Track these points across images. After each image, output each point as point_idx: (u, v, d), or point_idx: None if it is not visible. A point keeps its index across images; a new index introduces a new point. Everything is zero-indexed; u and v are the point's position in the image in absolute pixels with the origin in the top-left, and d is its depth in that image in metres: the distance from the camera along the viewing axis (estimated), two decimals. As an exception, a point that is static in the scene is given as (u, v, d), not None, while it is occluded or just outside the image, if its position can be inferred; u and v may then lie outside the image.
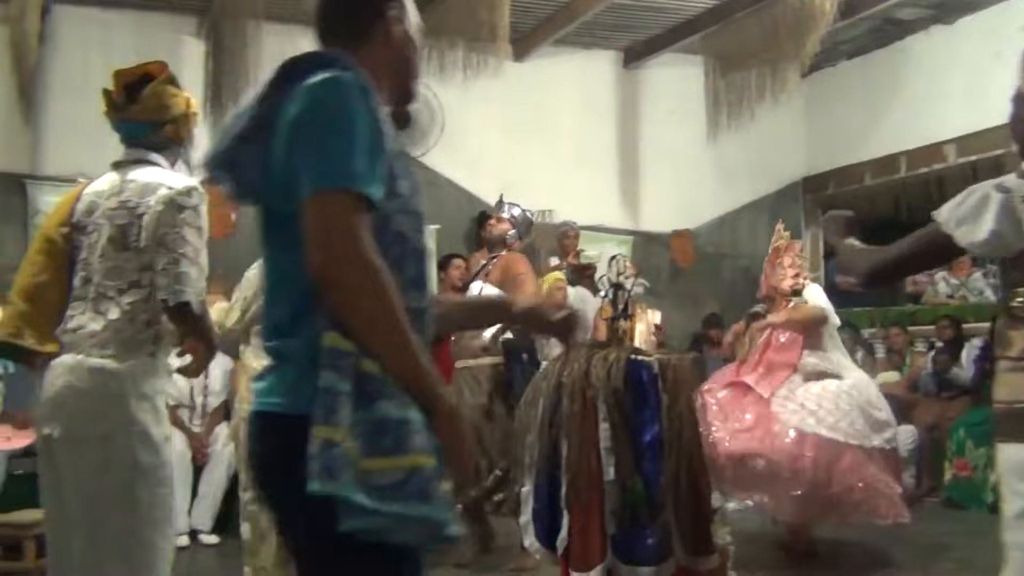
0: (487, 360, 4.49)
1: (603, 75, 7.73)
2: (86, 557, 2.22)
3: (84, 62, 6.04)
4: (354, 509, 1.27)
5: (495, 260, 4.70)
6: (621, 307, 3.20)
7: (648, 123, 7.77)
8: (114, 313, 2.27)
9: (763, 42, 6.92)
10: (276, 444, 1.40)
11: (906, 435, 6.29)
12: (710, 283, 7.86)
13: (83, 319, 2.30)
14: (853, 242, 2.16)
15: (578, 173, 7.37)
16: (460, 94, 6.77)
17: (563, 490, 2.82)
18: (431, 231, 6.99)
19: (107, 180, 2.42)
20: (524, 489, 2.96)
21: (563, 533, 2.80)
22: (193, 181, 2.39)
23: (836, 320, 4.64)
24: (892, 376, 6.93)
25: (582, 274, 6.75)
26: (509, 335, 4.45)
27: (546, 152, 7.32)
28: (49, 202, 6.01)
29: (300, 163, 1.38)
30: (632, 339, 3.25)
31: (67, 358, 2.28)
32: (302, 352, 1.38)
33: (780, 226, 4.82)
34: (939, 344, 6.89)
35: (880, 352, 7.39)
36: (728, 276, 7.92)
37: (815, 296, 4.57)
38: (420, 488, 1.32)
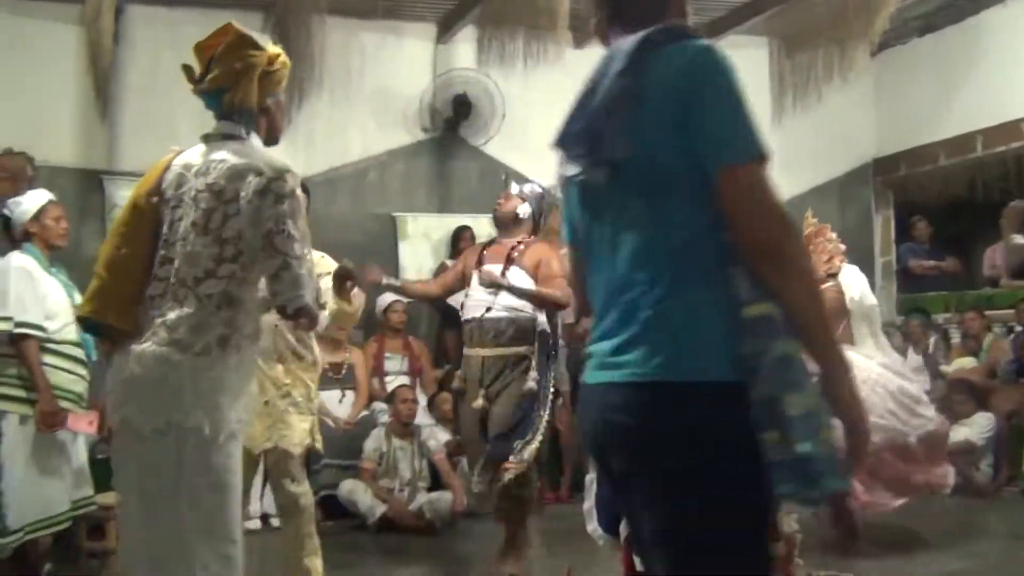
0: (516, 349, 4.10)
1: (665, 59, 7.63)
2: (147, 552, 2.14)
3: (155, 60, 6.22)
4: (789, 472, 1.36)
5: (522, 245, 4.20)
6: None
7: (711, 107, 7.64)
8: (190, 304, 2.16)
9: (830, 21, 6.77)
10: (676, 413, 1.42)
11: (984, 423, 6.11)
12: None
13: (160, 304, 2.19)
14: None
15: (640, 159, 7.31)
16: (520, 83, 6.77)
17: (627, 477, 2.82)
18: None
19: (197, 153, 2.30)
20: (588, 477, 2.96)
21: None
22: (285, 163, 2.23)
23: (868, 302, 4.44)
24: (968, 362, 6.72)
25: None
26: (546, 327, 4.14)
27: (608, 138, 7.27)
28: (126, 197, 6.21)
29: (706, 131, 1.43)
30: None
31: (134, 345, 2.18)
32: (683, 318, 1.43)
33: (808, 213, 4.72)
34: (1018, 328, 6.66)
35: (956, 337, 7.17)
36: (795, 261, 7.79)
37: (850, 280, 4.42)
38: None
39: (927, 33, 7.70)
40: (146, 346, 2.15)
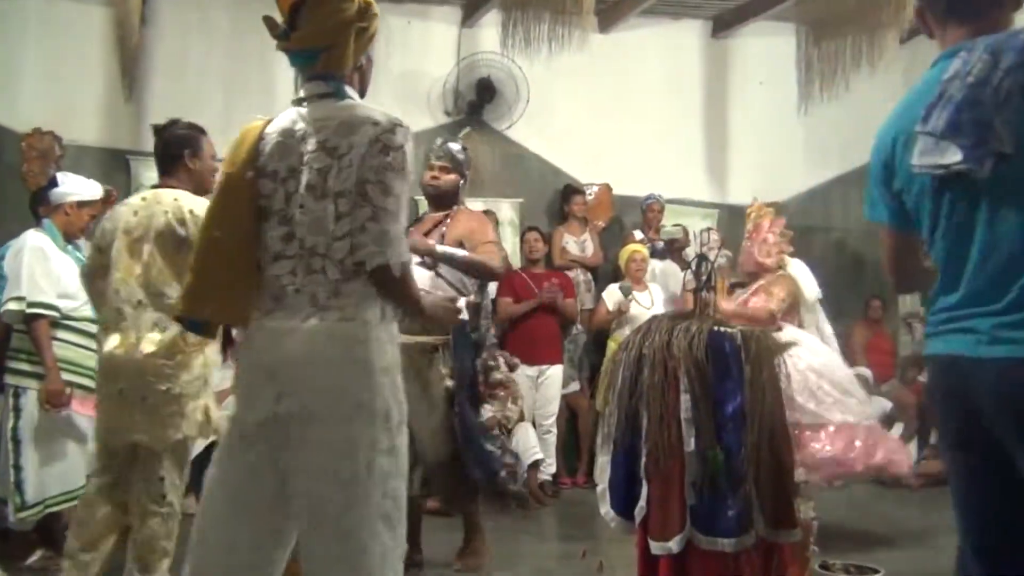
0: (425, 339, 3.62)
1: (691, 45, 7.58)
2: (316, 550, 1.94)
3: (182, 41, 6.27)
4: None
5: (449, 219, 3.89)
6: (704, 278, 3.16)
7: (737, 94, 7.59)
8: (332, 271, 1.96)
9: (859, 7, 6.67)
10: None
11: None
12: (800, 256, 7.66)
13: (297, 280, 1.98)
14: None
15: (664, 145, 7.28)
16: (545, 67, 6.74)
17: (643, 460, 2.82)
18: (515, 204, 7.03)
19: (295, 117, 2.07)
20: (602, 459, 2.97)
21: (641, 503, 2.81)
22: (396, 116, 2.03)
23: (814, 295, 4.64)
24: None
25: (670, 247, 6.71)
26: (465, 315, 3.48)
27: (632, 124, 7.24)
28: (152, 177, 6.25)
29: None
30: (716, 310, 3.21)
31: (283, 323, 1.97)
32: None
33: (760, 203, 4.86)
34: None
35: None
36: (819, 250, 7.70)
37: (799, 272, 4.60)
38: None
39: (959, 21, 7.57)
40: (312, 323, 1.94)
